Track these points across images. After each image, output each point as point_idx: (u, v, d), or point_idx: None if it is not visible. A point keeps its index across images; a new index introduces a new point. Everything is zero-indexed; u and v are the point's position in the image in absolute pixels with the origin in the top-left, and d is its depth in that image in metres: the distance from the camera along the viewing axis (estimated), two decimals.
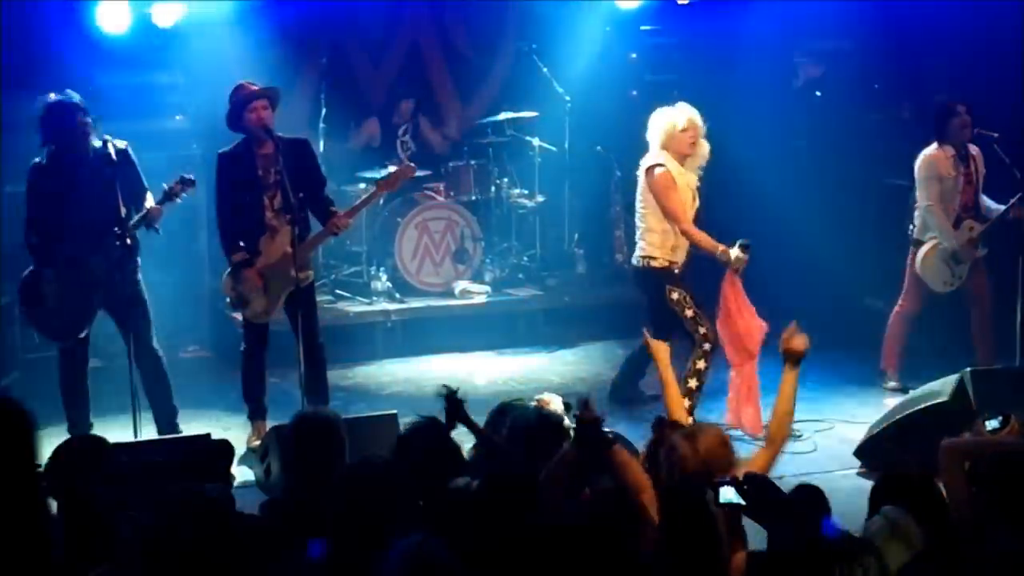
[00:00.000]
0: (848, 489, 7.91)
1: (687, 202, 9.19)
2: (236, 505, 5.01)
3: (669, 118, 9.18)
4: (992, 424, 6.53)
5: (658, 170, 9.11)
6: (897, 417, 8.47)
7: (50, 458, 5.53)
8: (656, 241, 9.23)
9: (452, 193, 12.32)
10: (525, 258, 12.52)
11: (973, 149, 9.94)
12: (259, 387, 9.20)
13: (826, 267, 12.19)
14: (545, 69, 12.50)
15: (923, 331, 10.39)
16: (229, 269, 9.05)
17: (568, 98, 12.48)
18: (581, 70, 12.67)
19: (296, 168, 8.85)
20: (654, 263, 9.25)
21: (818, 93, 12.93)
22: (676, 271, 9.26)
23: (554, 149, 12.58)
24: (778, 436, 6.25)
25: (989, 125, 9.73)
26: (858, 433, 8.87)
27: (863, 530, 4.73)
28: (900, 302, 10.23)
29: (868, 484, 8.00)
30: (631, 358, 9.95)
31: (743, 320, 8.99)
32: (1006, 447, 5.70)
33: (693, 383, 9.09)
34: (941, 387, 8.41)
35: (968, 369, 8.59)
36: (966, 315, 10.21)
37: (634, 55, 13.29)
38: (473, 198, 12.37)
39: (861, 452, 8.59)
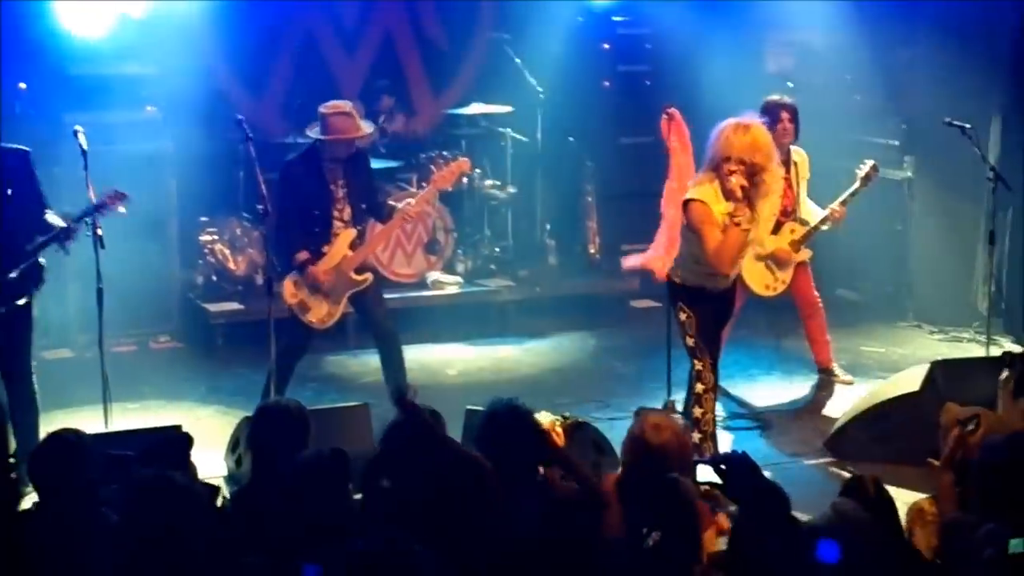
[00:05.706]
0: (818, 480, 7.95)
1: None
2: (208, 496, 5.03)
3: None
4: None
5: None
6: (866, 408, 8.51)
7: (35, 449, 5.54)
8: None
9: (424, 184, 12.28)
10: (497, 249, 12.48)
11: (796, 154, 9.89)
12: (284, 385, 8.99)
13: None
14: (518, 60, 12.48)
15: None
16: (291, 273, 9.00)
17: (540, 89, 12.45)
18: (554, 61, 12.65)
19: (357, 179, 9.04)
20: (676, 278, 7.93)
21: (790, 84, 12.94)
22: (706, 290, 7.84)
23: (526, 140, 12.55)
24: None
25: (962, 117, 9.74)
26: (828, 423, 8.91)
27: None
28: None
29: (838, 474, 8.14)
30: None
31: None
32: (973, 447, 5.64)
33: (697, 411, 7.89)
34: (910, 378, 8.46)
35: (938, 359, 8.65)
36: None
37: (607, 46, 13.27)
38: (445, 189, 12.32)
39: (831, 443, 8.61)
